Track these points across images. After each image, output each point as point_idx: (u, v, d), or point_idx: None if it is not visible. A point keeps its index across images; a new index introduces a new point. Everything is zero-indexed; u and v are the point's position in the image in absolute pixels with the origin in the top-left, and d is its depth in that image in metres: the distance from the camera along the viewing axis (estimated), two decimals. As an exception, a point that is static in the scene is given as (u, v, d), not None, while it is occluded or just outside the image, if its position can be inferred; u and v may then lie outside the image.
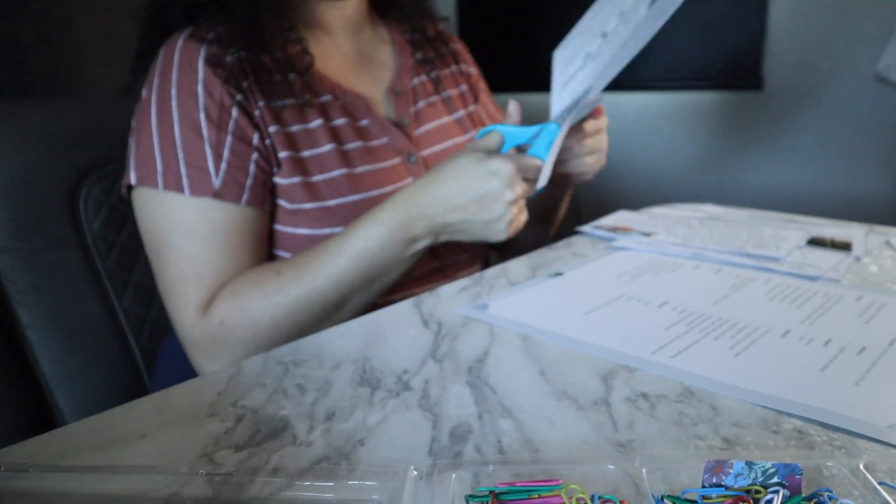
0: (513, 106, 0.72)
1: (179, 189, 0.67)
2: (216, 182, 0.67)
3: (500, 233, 0.68)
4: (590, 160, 0.78)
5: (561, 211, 0.95)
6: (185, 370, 0.71)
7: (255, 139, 0.70)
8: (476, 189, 0.65)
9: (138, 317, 0.85)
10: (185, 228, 0.67)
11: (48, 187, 0.80)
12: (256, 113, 0.70)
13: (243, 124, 0.69)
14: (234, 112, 0.69)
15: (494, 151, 0.68)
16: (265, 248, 0.73)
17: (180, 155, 0.67)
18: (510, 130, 0.70)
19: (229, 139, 0.69)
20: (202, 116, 0.68)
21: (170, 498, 0.34)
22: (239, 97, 0.69)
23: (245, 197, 0.69)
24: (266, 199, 0.71)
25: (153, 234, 0.69)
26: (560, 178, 0.80)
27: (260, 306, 0.66)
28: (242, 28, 0.71)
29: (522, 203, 0.69)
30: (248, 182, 0.69)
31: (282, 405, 0.43)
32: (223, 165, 0.68)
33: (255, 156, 0.70)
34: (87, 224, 0.82)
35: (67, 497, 0.34)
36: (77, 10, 1.52)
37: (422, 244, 0.69)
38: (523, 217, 0.70)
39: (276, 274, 0.67)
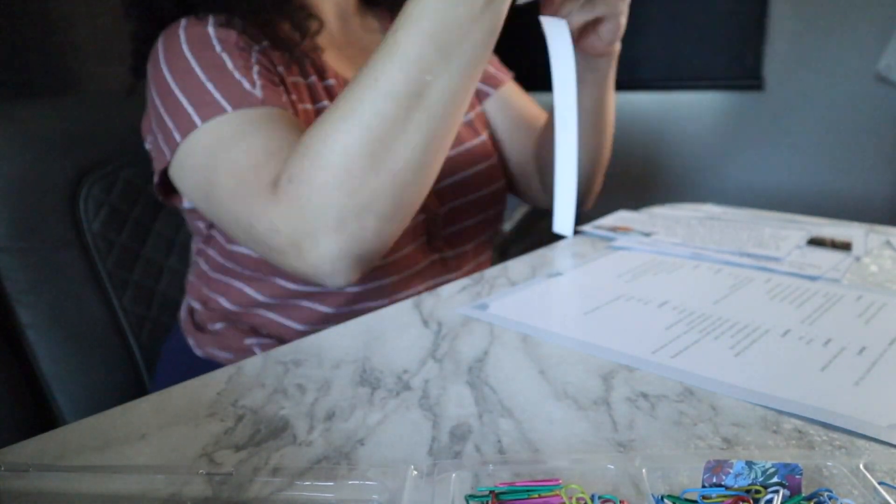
0: None
1: (220, 111, 0.60)
2: (258, 93, 0.61)
3: None
4: (618, 23, 0.68)
5: (610, 111, 0.82)
6: (185, 370, 0.71)
7: (280, 73, 0.67)
8: None
9: (138, 317, 0.85)
10: (233, 138, 0.59)
11: (48, 187, 0.80)
12: (280, 69, 0.68)
13: (265, 63, 0.66)
14: (255, 55, 0.65)
15: None
16: None
17: (209, 86, 0.61)
18: None
19: (255, 67, 0.64)
20: (222, 53, 0.63)
21: (170, 498, 0.34)
22: (257, 48, 0.66)
23: (285, 101, 0.64)
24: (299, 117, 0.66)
25: (203, 173, 0.60)
26: (596, 41, 0.70)
27: (321, 135, 0.54)
28: (241, 9, 0.69)
29: None
30: (285, 98, 0.64)
31: (282, 405, 0.43)
32: (258, 80, 0.62)
33: (282, 87, 0.66)
34: (87, 224, 0.82)
35: (67, 497, 0.34)
36: (77, 10, 1.52)
37: None
38: None
39: (333, 103, 0.56)
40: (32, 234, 0.78)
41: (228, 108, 0.59)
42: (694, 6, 2.05)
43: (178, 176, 0.65)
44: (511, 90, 0.94)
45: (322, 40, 0.79)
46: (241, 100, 0.60)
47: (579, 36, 0.71)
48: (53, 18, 1.49)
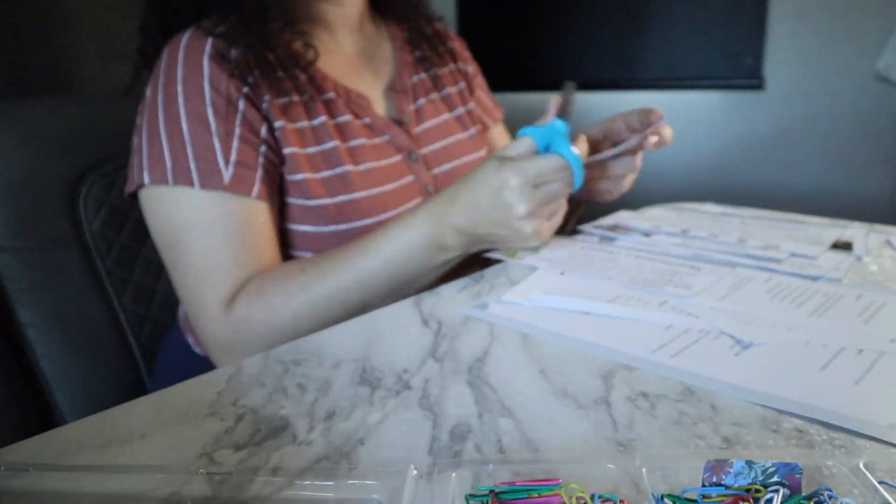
0: (554, 101, 0.68)
1: (189, 183, 0.66)
2: (226, 175, 0.67)
3: (528, 242, 0.66)
4: (628, 181, 0.75)
5: (570, 225, 0.91)
6: (185, 369, 0.71)
7: (263, 131, 0.70)
8: (493, 202, 0.63)
9: (138, 316, 0.85)
10: (201, 223, 0.67)
11: (48, 187, 0.80)
12: (264, 106, 0.70)
13: (251, 116, 0.69)
14: (241, 105, 0.69)
15: (521, 156, 0.64)
16: (277, 242, 0.73)
17: (189, 149, 0.67)
18: (537, 131, 0.65)
19: (237, 131, 0.68)
20: (209, 111, 0.68)
21: (170, 497, 0.34)
22: (245, 90, 0.69)
23: (255, 189, 0.68)
24: (274, 193, 0.71)
25: (167, 231, 0.68)
26: (584, 194, 0.77)
27: (283, 304, 0.65)
28: (249, 22, 0.71)
29: (547, 209, 0.65)
30: (258, 174, 0.69)
31: (282, 404, 0.43)
32: (233, 157, 0.68)
33: (263, 148, 0.70)
34: (87, 223, 0.82)
35: (67, 497, 0.34)
36: (77, 9, 1.52)
37: (452, 254, 0.67)
38: (556, 220, 0.67)
39: (300, 272, 0.67)
40: (32, 234, 0.78)
41: (196, 183, 0.66)
42: (694, 6, 2.05)
43: (144, 205, 0.70)
44: (499, 132, 0.99)
45: (330, 51, 0.79)
46: (209, 179, 0.66)
47: None
48: (53, 18, 1.49)
